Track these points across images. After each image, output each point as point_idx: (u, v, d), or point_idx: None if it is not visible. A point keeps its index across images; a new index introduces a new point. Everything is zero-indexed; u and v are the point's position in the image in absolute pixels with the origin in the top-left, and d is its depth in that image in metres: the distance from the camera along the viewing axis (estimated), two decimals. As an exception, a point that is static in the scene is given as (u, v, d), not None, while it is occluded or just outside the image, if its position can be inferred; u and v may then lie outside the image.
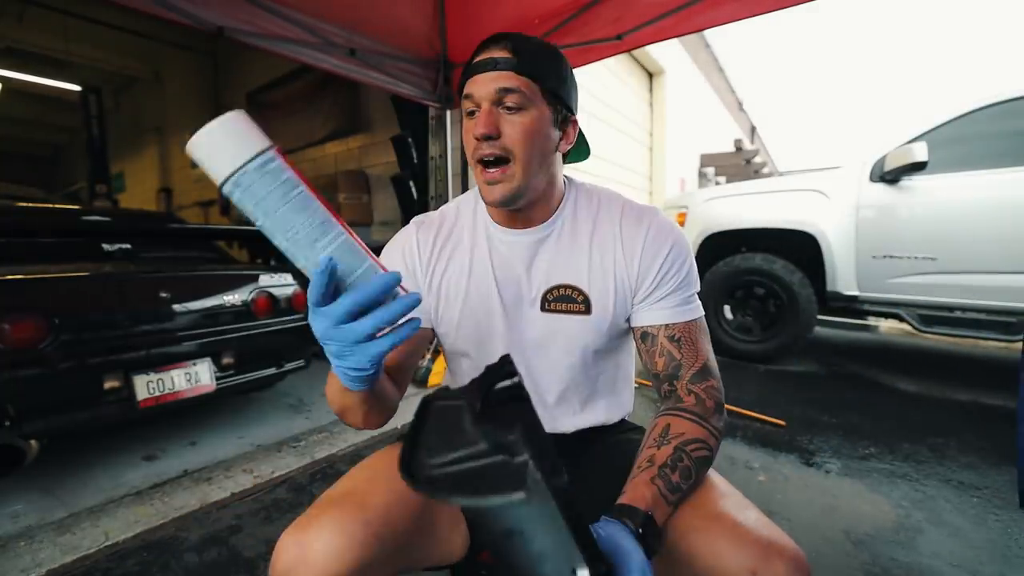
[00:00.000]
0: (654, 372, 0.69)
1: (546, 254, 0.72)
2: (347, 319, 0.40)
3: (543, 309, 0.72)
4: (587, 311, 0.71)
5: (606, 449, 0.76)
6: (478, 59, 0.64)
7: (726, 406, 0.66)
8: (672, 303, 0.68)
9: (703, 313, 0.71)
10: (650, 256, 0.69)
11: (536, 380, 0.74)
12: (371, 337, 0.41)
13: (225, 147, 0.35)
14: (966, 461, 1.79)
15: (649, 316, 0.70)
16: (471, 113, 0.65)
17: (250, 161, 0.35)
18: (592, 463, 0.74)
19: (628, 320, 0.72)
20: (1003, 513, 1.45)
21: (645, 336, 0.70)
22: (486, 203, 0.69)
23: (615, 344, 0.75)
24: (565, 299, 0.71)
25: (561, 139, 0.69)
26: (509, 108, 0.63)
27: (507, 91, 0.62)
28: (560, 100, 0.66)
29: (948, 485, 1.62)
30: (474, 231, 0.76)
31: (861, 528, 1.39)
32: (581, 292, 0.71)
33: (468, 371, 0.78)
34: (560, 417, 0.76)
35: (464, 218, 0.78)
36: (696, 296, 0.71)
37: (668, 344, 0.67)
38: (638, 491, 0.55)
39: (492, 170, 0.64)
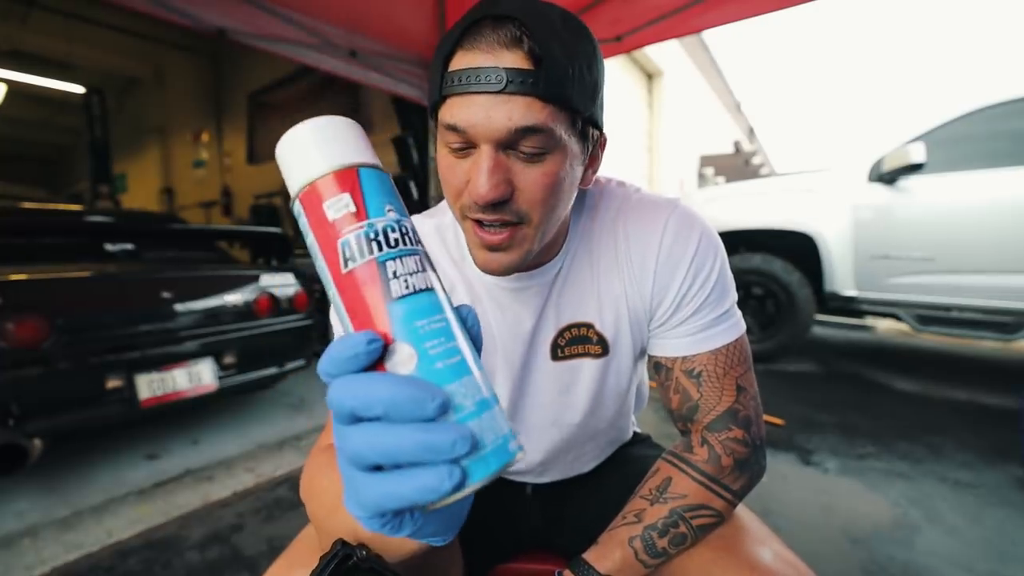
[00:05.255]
0: (667, 407, 0.58)
1: (556, 291, 0.57)
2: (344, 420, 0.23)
3: (555, 357, 0.58)
4: (604, 352, 0.57)
5: (614, 467, 0.70)
6: (469, 62, 0.40)
7: None
8: (692, 329, 0.54)
9: (742, 331, 0.55)
10: (665, 276, 0.53)
11: (539, 439, 0.63)
12: (374, 467, 0.23)
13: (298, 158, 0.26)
14: (962, 460, 1.79)
15: (663, 346, 0.56)
16: (460, 150, 0.43)
17: (295, 197, 0.26)
18: (596, 486, 0.69)
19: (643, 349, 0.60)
20: (998, 511, 1.46)
21: (658, 367, 0.58)
22: (479, 267, 0.49)
23: (635, 376, 0.64)
24: (578, 340, 0.57)
25: (587, 170, 0.50)
26: (526, 154, 0.41)
27: (526, 132, 0.40)
28: (595, 124, 0.46)
29: (945, 483, 1.63)
30: (463, 278, 0.58)
31: (859, 526, 1.40)
32: (594, 329, 0.57)
33: None
34: (558, 469, 0.67)
35: (442, 258, 0.58)
36: (730, 313, 0.55)
37: (685, 380, 0.54)
38: (608, 549, 0.51)
39: (494, 232, 0.44)
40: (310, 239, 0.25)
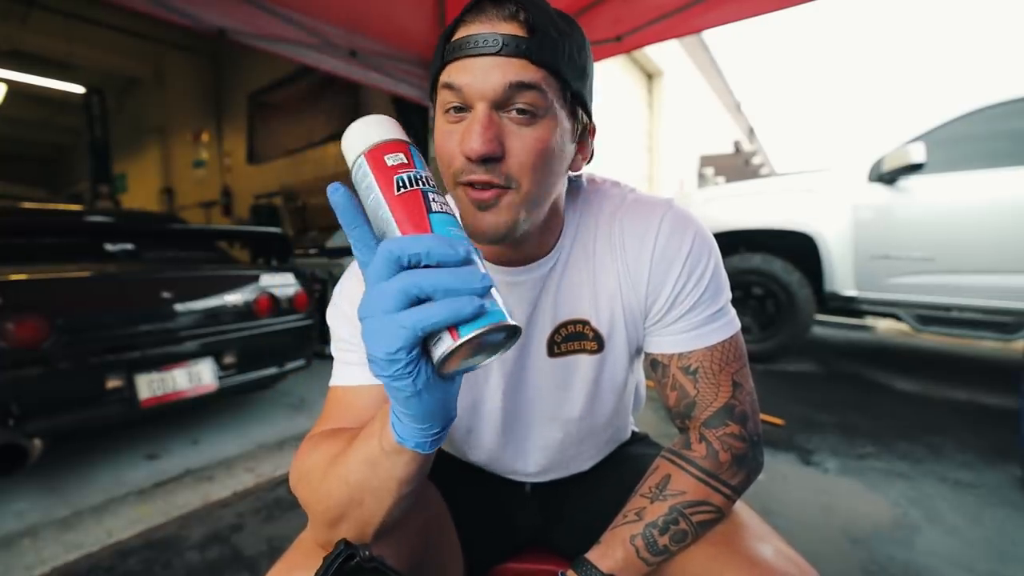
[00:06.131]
0: (665, 405, 0.59)
1: (552, 288, 0.57)
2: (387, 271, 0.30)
3: (551, 354, 0.58)
4: (600, 348, 0.58)
5: (612, 465, 0.70)
6: (470, 31, 0.43)
7: None
8: (687, 326, 0.55)
9: (736, 329, 0.56)
10: (660, 274, 0.54)
11: (537, 436, 0.63)
12: (416, 301, 0.29)
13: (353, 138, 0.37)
14: (963, 459, 1.79)
15: (659, 343, 0.57)
16: (457, 109, 0.45)
17: (355, 161, 0.36)
18: (594, 484, 0.69)
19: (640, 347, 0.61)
20: (999, 511, 1.46)
21: (655, 365, 0.58)
22: (469, 235, 0.52)
23: (631, 373, 0.64)
24: (575, 337, 0.58)
25: (577, 154, 0.51)
26: (520, 113, 0.44)
27: (520, 87, 0.42)
28: (583, 105, 0.49)
29: (945, 483, 1.63)
30: None
31: (859, 526, 1.40)
32: (589, 325, 0.58)
33: (458, 441, 0.66)
34: (557, 468, 0.67)
35: None
36: (725, 310, 0.56)
37: (681, 377, 0.55)
38: (610, 548, 0.52)
39: (483, 191, 0.45)
40: (369, 180, 0.34)
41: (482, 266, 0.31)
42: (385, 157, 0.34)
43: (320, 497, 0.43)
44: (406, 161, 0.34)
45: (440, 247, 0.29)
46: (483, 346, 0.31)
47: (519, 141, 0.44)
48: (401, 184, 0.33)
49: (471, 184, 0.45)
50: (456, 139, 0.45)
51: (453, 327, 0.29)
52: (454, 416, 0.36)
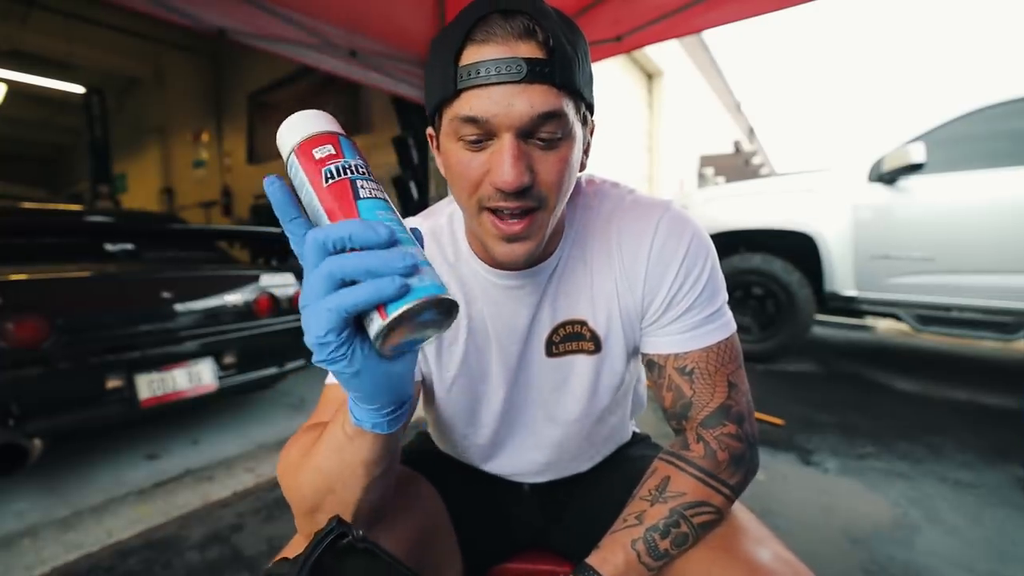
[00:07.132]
0: (661, 406, 0.58)
1: (552, 289, 0.57)
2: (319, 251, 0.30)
3: (549, 354, 0.59)
4: (597, 349, 0.58)
5: (612, 466, 0.70)
6: (484, 54, 0.41)
7: None
8: (683, 327, 0.55)
9: (733, 331, 0.56)
10: (657, 275, 0.54)
11: (535, 436, 0.64)
12: (342, 284, 0.29)
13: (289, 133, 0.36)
14: (963, 460, 1.79)
15: (655, 344, 0.57)
16: (475, 142, 0.44)
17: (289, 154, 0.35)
18: (594, 485, 0.69)
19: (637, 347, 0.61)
20: (998, 511, 1.46)
21: (651, 365, 0.58)
22: (496, 261, 0.50)
23: (629, 374, 0.64)
24: (572, 337, 0.58)
25: (583, 155, 0.51)
26: (544, 140, 0.43)
27: (547, 117, 0.42)
28: (591, 110, 0.49)
29: (945, 483, 1.63)
30: (457, 278, 0.58)
31: (859, 526, 1.40)
32: (587, 326, 0.58)
33: (456, 441, 0.66)
34: (555, 469, 0.67)
35: (437, 259, 0.58)
36: (722, 311, 0.56)
37: (677, 377, 0.55)
38: (611, 553, 0.51)
39: (515, 222, 0.46)
40: (300, 176, 0.34)
41: (415, 247, 0.32)
42: (314, 151, 0.34)
43: (297, 486, 0.45)
44: (334, 152, 0.34)
45: (362, 231, 0.29)
46: (421, 323, 0.31)
47: (545, 165, 0.44)
48: (329, 175, 0.33)
49: (498, 212, 0.45)
50: (479, 166, 0.44)
51: (380, 306, 0.29)
52: (409, 396, 0.37)
